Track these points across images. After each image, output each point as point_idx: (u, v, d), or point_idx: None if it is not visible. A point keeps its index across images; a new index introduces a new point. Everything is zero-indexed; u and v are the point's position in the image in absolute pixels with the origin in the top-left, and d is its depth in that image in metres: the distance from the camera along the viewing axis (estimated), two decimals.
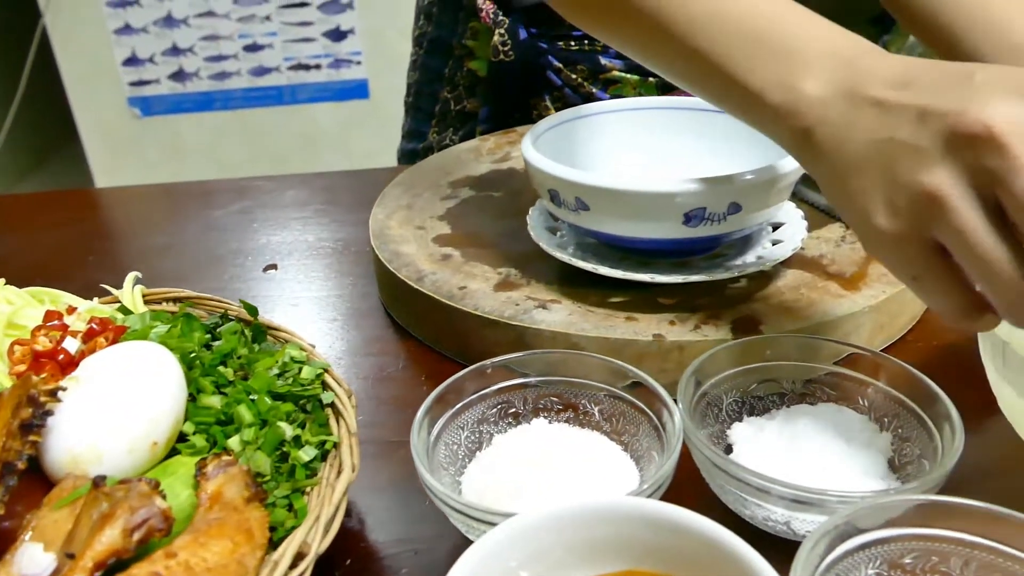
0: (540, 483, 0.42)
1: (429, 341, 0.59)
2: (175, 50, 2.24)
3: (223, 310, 0.51)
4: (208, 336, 0.46)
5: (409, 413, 0.50)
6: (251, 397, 0.42)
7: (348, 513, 0.45)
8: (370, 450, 0.50)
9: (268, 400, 0.42)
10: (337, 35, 2.26)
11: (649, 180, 0.48)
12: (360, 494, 0.47)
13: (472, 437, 0.46)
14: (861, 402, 0.45)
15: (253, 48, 2.26)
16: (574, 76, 0.88)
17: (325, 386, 0.44)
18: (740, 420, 0.46)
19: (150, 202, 0.91)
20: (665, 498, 0.41)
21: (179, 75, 2.27)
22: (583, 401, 0.47)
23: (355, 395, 0.54)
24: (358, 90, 2.33)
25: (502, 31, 0.86)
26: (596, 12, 0.49)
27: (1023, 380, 0.41)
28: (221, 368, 0.43)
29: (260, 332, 0.48)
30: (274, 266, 0.72)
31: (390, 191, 0.72)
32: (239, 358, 0.44)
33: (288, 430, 0.41)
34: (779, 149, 0.54)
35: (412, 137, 1.03)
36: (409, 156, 1.04)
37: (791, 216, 0.58)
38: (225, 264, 0.73)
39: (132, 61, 2.24)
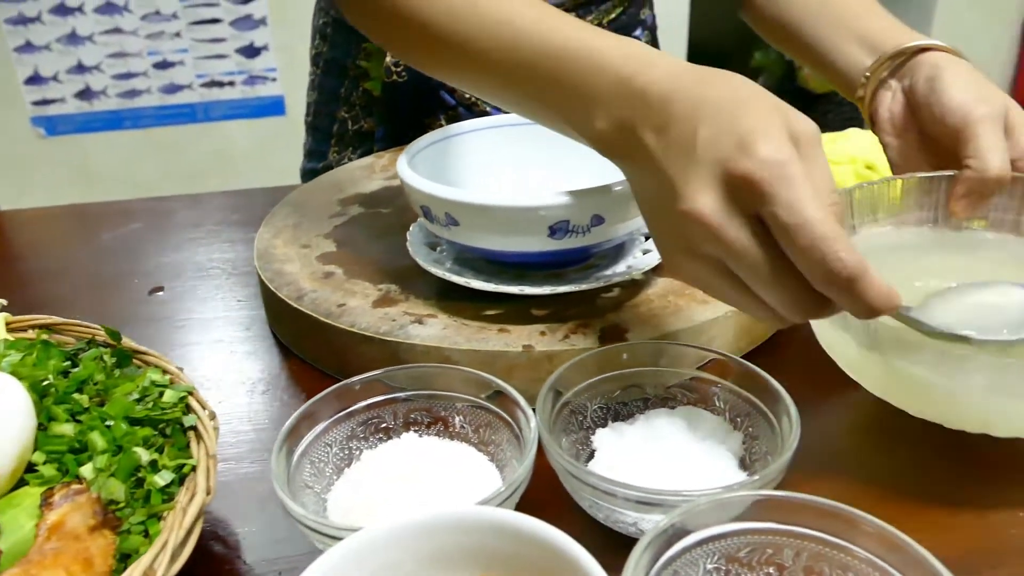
0: (405, 497, 0.42)
1: (310, 359, 0.59)
2: (80, 68, 2.18)
3: (90, 336, 0.50)
4: (68, 363, 0.46)
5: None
6: (107, 423, 0.41)
7: (216, 536, 0.45)
8: (244, 470, 0.50)
9: (124, 426, 0.41)
10: (251, 52, 2.24)
11: (513, 195, 0.49)
12: (232, 515, 0.47)
13: (341, 454, 0.46)
14: (717, 404, 0.47)
15: (163, 65, 2.22)
16: (467, 95, 0.89)
17: (189, 409, 0.44)
18: (604, 426, 0.47)
19: (43, 225, 0.88)
20: (531, 504, 0.42)
21: (85, 93, 2.22)
22: (451, 414, 0.47)
23: (230, 415, 0.54)
24: (274, 107, 2.31)
25: None
26: (401, 42, 0.55)
27: (896, 351, 0.44)
28: (76, 395, 0.43)
29: (124, 357, 0.47)
30: (160, 288, 0.71)
31: (279, 210, 0.72)
32: (96, 384, 0.44)
33: (144, 455, 0.40)
34: None
35: (312, 157, 1.03)
36: (310, 175, 1.03)
37: None
38: (112, 288, 0.72)
39: (35, 79, 2.17)
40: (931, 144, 0.57)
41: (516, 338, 0.52)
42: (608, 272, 0.56)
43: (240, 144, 2.33)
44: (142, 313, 0.68)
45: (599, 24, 0.87)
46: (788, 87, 2.73)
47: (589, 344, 0.51)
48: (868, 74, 0.61)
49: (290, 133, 2.42)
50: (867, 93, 0.61)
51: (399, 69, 0.89)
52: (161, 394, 0.44)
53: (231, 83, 2.26)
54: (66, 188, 2.29)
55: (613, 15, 0.88)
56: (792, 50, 0.73)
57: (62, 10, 2.09)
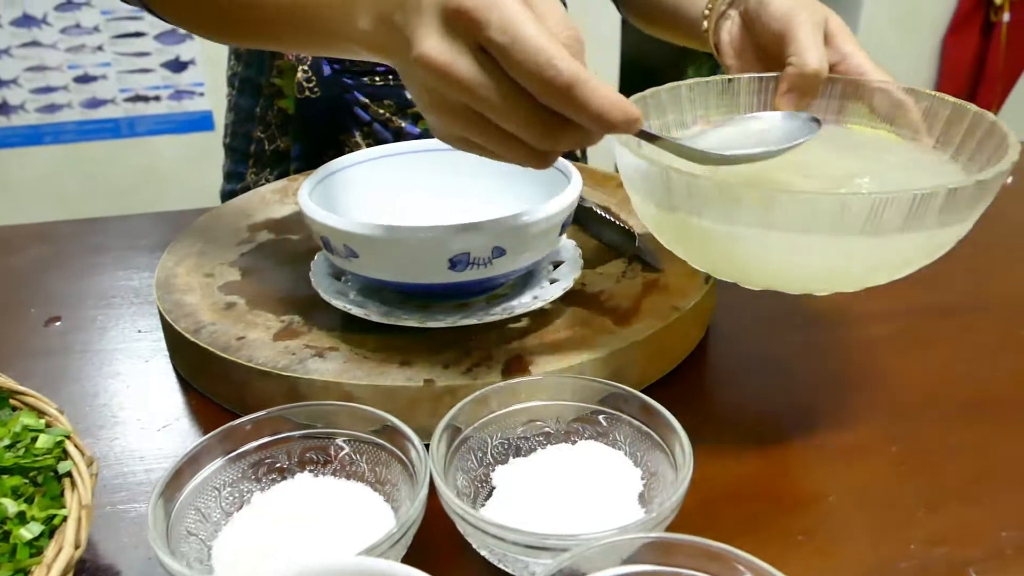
0: (294, 542, 0.41)
1: (209, 394, 0.57)
2: None
3: None
4: None
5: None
6: None
7: None
8: (133, 514, 0.48)
9: None
10: (177, 66, 2.19)
11: (409, 228, 0.48)
12: (118, 561, 0.45)
13: (230, 498, 0.44)
14: (619, 438, 0.47)
15: (85, 79, 2.15)
16: (381, 111, 0.88)
17: (66, 454, 0.42)
18: (504, 463, 0.46)
19: None
20: (427, 544, 0.41)
21: (3, 108, 2.14)
22: (347, 451, 0.46)
23: (122, 454, 0.52)
24: (202, 122, 2.26)
25: (305, 67, 0.86)
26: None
27: (687, 206, 0.44)
28: None
29: (1, 399, 0.45)
30: (57, 318, 0.68)
31: (184, 237, 0.70)
32: None
33: (11, 507, 0.38)
34: (556, 186, 0.56)
35: (231, 179, 1.01)
36: (228, 197, 1.01)
37: (569, 254, 0.60)
38: (5, 318, 0.69)
39: None
40: (765, 58, 0.60)
41: (418, 372, 0.51)
42: (514, 302, 0.55)
43: (168, 160, 2.27)
44: (35, 345, 0.65)
45: None
46: None
47: (492, 378, 0.50)
48: (708, 8, 0.65)
49: (220, 149, 2.37)
50: (710, 26, 0.65)
51: (311, 85, 0.87)
52: (35, 439, 0.42)
53: (156, 97, 2.21)
54: None
55: None
56: (656, 26, 0.79)
57: None
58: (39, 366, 0.62)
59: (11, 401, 0.46)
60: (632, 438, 0.46)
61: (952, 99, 0.54)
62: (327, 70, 0.86)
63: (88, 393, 0.58)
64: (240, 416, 0.53)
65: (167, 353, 0.62)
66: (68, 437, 0.43)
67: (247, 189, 0.98)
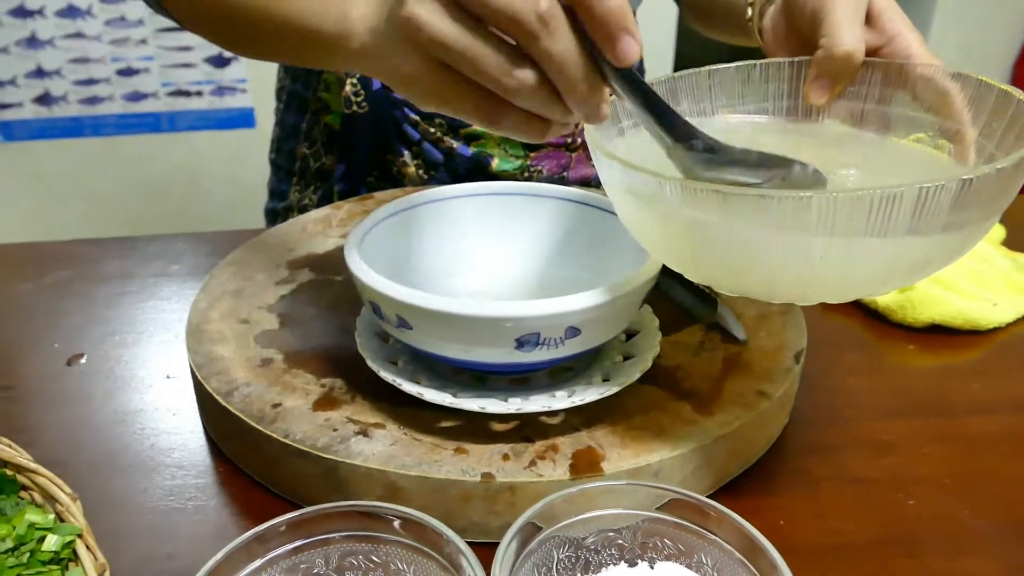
0: None
1: (239, 463, 0.51)
2: (40, 72, 2.09)
3: None
4: None
5: (203, 558, 0.43)
6: None
7: None
8: None
9: None
10: (220, 61, 2.15)
11: (474, 303, 0.43)
12: None
13: None
14: (704, 561, 0.41)
15: (127, 72, 2.13)
16: (432, 130, 0.83)
17: (76, 556, 0.37)
18: None
19: None
20: None
21: (45, 99, 2.12)
22: (395, 561, 0.40)
23: (137, 532, 0.46)
24: (243, 119, 2.22)
25: (354, 80, 0.81)
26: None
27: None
28: None
29: (8, 483, 0.40)
30: (80, 356, 0.63)
31: (219, 272, 0.64)
32: None
33: None
34: (637, 248, 0.50)
35: (274, 196, 0.96)
36: (271, 216, 0.97)
37: (645, 324, 0.54)
38: (25, 353, 0.64)
39: None
40: (805, 44, 0.53)
41: (475, 462, 0.45)
42: (582, 383, 0.49)
43: (207, 156, 2.24)
44: (56, 390, 0.60)
45: None
46: None
47: (559, 475, 0.44)
48: (752, 2, 0.59)
49: (259, 146, 2.31)
50: (755, 14, 0.59)
51: (359, 99, 0.82)
52: (42, 539, 0.37)
53: (198, 93, 2.18)
54: (21, 196, 2.19)
55: None
56: (711, 25, 0.75)
57: (21, 12, 1.99)
58: (57, 414, 0.57)
59: (20, 479, 0.41)
60: (721, 564, 0.40)
61: (1000, 86, 0.46)
62: (376, 84, 0.81)
63: (109, 453, 0.53)
64: (271, 492, 0.48)
65: (195, 407, 0.57)
66: (80, 536, 0.37)
67: (289, 209, 0.93)
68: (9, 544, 0.36)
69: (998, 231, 0.82)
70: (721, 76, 0.53)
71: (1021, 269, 0.74)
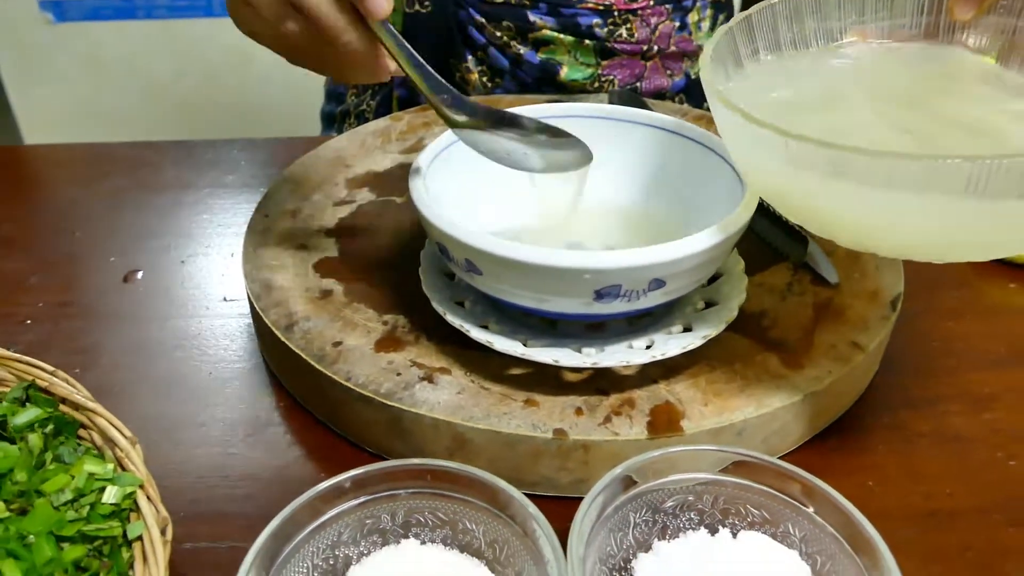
0: None
1: (300, 399, 0.50)
2: None
3: (31, 379, 0.41)
4: None
5: (264, 501, 0.42)
6: (26, 542, 0.33)
7: None
8: (214, 555, 0.42)
9: (49, 548, 0.33)
10: None
11: (551, 252, 0.39)
12: None
13: (325, 566, 0.38)
14: (793, 532, 0.38)
15: None
16: (499, 34, 0.77)
17: (136, 507, 0.36)
18: (648, 548, 0.38)
19: (7, 170, 0.78)
20: None
21: None
22: (463, 520, 0.38)
23: (201, 466, 0.46)
24: None
25: None
26: None
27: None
28: None
29: (65, 425, 0.39)
30: (137, 271, 0.62)
31: (277, 188, 0.62)
32: (16, 484, 0.35)
33: None
34: (726, 185, 0.46)
35: (331, 98, 0.92)
36: (327, 120, 0.93)
37: (730, 266, 0.50)
38: (80, 267, 0.63)
39: None
40: None
41: (546, 416, 0.42)
42: (661, 332, 0.46)
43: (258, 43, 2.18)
44: (112, 307, 0.58)
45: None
46: None
47: (636, 433, 0.41)
48: None
49: None
50: None
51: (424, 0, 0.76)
52: (102, 491, 0.35)
53: None
54: (76, 77, 2.17)
55: None
56: None
57: None
58: (115, 338, 0.56)
59: (78, 416, 0.40)
60: (811, 535, 0.37)
61: None
62: None
63: (166, 382, 0.52)
64: (333, 431, 0.47)
65: (254, 334, 0.55)
66: (141, 487, 0.36)
67: (346, 113, 0.89)
68: (68, 496, 0.35)
69: None
70: None
71: None
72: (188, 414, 0.49)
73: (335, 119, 0.90)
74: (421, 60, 0.44)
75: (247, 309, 0.57)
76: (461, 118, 0.44)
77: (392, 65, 0.44)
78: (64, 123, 2.21)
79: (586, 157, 0.45)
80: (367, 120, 0.85)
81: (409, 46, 0.43)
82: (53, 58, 2.16)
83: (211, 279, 0.61)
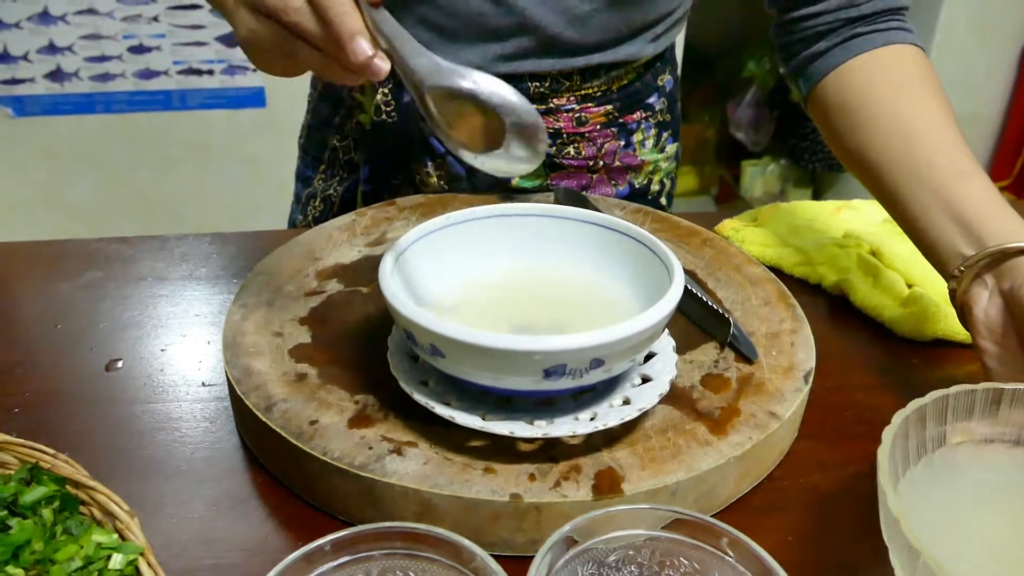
0: None
1: (276, 473, 0.54)
2: (52, 48, 2.09)
3: (34, 461, 0.46)
4: (4, 512, 0.41)
5: (247, 568, 0.46)
6: None
7: None
8: None
9: None
10: (231, 40, 2.15)
11: (506, 337, 0.45)
12: None
13: None
14: None
15: (139, 50, 2.13)
16: None
17: (138, 573, 0.40)
18: None
19: None
20: None
21: (57, 75, 2.13)
22: None
23: (186, 538, 0.50)
24: (254, 98, 2.23)
25: (386, 91, 0.82)
26: None
27: None
28: (11, 569, 0.38)
29: (70, 501, 0.43)
30: (118, 361, 0.66)
31: (251, 282, 0.67)
32: (33, 553, 0.39)
33: None
34: (655, 273, 0.53)
35: (299, 180, 0.98)
36: (295, 200, 0.99)
37: (663, 346, 0.56)
38: (63, 357, 0.67)
39: (3, 58, 2.08)
40: None
41: (503, 483, 0.48)
42: (603, 404, 0.52)
43: (217, 134, 2.25)
44: (96, 394, 0.63)
45: (606, 89, 0.82)
46: (779, 100, 2.70)
47: (582, 495, 0.47)
48: (963, 268, 0.57)
49: (269, 126, 2.34)
50: (960, 286, 0.57)
51: (389, 109, 0.84)
52: (108, 558, 0.40)
53: (210, 72, 2.18)
54: (33, 171, 2.21)
55: (625, 81, 0.83)
56: (873, 191, 0.67)
57: None
58: (101, 420, 0.60)
59: (79, 494, 0.44)
60: None
61: None
62: (406, 97, 0.83)
63: (154, 461, 0.56)
64: (308, 503, 0.51)
65: (231, 416, 0.60)
66: (141, 554, 0.40)
67: (313, 196, 0.95)
68: (78, 564, 0.39)
69: None
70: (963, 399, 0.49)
71: None
72: (173, 491, 0.54)
73: (299, 201, 0.97)
74: (415, 45, 0.48)
75: (224, 393, 0.62)
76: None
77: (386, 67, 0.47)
78: (21, 213, 2.23)
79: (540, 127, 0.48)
80: (332, 203, 0.91)
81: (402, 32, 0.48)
82: (11, 150, 2.20)
83: (189, 366, 0.66)
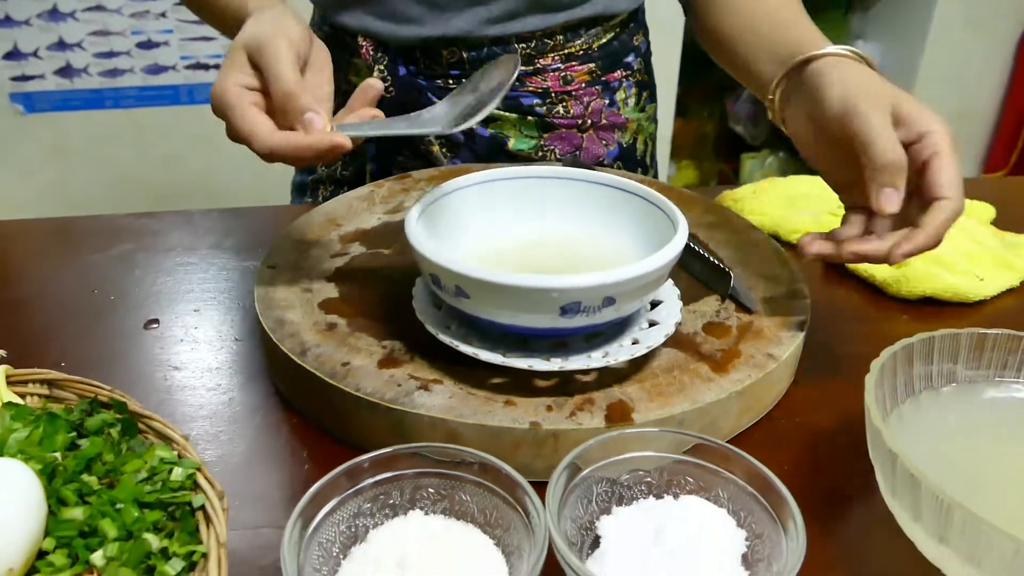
0: None
1: (311, 416, 0.58)
2: (61, 45, 2.13)
3: (93, 395, 0.50)
4: (73, 434, 0.45)
5: (284, 496, 0.50)
6: (116, 507, 0.41)
7: None
8: (242, 540, 0.50)
9: (135, 510, 0.41)
10: None
11: (526, 276, 0.49)
12: None
13: (348, 532, 0.46)
14: (721, 495, 0.48)
15: (147, 45, 2.17)
16: None
17: (196, 486, 0.44)
18: (608, 512, 0.48)
19: (19, 242, 0.86)
20: None
21: (66, 71, 2.16)
22: (459, 493, 0.47)
23: (228, 475, 0.54)
24: None
25: (381, 67, 0.86)
26: None
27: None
28: (85, 476, 0.42)
29: (131, 427, 0.47)
30: (156, 321, 0.70)
31: (279, 245, 0.71)
32: (104, 464, 0.43)
33: (155, 542, 0.40)
34: (660, 226, 0.57)
35: (301, 169, 1.02)
36: (299, 189, 1.03)
37: (668, 294, 0.61)
38: (102, 320, 0.71)
39: (13, 55, 2.12)
40: (838, 145, 0.58)
41: (522, 413, 0.52)
42: (613, 344, 0.56)
43: (223, 129, 2.29)
44: (138, 351, 0.67)
45: (588, 48, 0.87)
46: None
47: (595, 424, 0.51)
48: (772, 95, 0.64)
49: None
50: (773, 110, 0.65)
51: (386, 85, 0.88)
52: (170, 471, 0.44)
53: (217, 66, 2.22)
54: (42, 166, 2.25)
55: (604, 39, 0.88)
56: (728, 67, 0.78)
57: None
58: (144, 373, 0.64)
59: (139, 425, 0.48)
60: (735, 496, 0.47)
61: None
62: (402, 70, 0.87)
63: (192, 407, 0.60)
64: (342, 441, 0.55)
65: (264, 368, 0.64)
66: (199, 469, 0.44)
67: (318, 181, 0.99)
68: (144, 474, 0.43)
69: (988, 211, 0.89)
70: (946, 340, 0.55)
71: (1009, 247, 0.81)
72: (215, 432, 0.58)
73: (306, 188, 1.00)
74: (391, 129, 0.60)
75: (257, 348, 0.66)
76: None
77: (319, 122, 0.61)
78: (32, 208, 2.27)
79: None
80: (342, 185, 0.95)
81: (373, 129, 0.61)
82: (21, 147, 2.23)
83: (222, 325, 0.70)
